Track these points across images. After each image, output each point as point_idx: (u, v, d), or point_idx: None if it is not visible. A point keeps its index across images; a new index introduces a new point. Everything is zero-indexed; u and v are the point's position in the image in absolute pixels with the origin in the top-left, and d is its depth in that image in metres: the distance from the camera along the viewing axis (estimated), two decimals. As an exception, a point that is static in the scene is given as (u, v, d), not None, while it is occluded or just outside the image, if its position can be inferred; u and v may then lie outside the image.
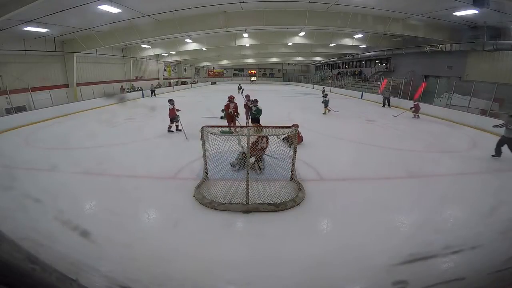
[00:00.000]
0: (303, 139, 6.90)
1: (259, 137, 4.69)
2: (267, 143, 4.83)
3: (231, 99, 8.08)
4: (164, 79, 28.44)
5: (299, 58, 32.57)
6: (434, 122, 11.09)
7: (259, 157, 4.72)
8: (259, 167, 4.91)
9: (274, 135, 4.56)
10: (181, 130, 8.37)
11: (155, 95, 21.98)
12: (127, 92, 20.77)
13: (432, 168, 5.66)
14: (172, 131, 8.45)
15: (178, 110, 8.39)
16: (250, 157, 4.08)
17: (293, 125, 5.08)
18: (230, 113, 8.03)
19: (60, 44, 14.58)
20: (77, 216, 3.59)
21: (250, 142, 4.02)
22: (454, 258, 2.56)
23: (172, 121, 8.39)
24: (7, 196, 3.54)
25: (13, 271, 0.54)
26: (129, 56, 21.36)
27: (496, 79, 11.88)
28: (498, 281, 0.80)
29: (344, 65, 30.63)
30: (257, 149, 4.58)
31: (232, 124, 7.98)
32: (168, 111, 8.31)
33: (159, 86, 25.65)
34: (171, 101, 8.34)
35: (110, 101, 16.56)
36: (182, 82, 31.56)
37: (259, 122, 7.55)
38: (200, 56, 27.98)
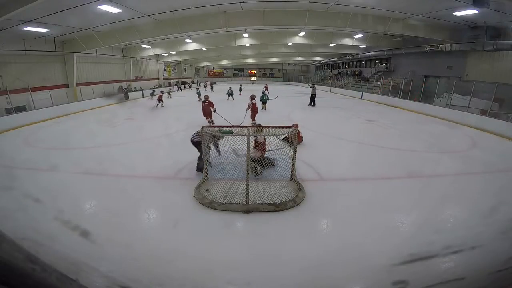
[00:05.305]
0: (303, 139, 6.90)
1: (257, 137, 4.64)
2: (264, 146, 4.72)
3: (206, 98, 8.78)
4: (164, 79, 28.41)
5: (299, 58, 32.54)
6: (434, 122, 11.09)
7: (257, 158, 4.58)
8: (255, 170, 4.66)
9: (274, 135, 4.55)
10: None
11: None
12: (126, 91, 20.67)
13: (432, 168, 5.65)
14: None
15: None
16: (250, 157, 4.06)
17: (293, 125, 5.07)
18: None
19: (60, 44, 14.56)
20: (77, 216, 3.59)
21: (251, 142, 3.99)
22: (454, 258, 2.56)
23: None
24: (7, 196, 3.54)
25: (13, 271, 0.54)
26: (129, 56, 21.32)
27: (496, 79, 11.88)
28: (498, 281, 0.80)
29: (344, 65, 30.61)
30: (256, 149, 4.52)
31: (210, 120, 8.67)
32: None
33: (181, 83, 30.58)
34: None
35: (110, 101, 16.59)
36: (182, 82, 31.49)
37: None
38: (200, 56, 27.96)
